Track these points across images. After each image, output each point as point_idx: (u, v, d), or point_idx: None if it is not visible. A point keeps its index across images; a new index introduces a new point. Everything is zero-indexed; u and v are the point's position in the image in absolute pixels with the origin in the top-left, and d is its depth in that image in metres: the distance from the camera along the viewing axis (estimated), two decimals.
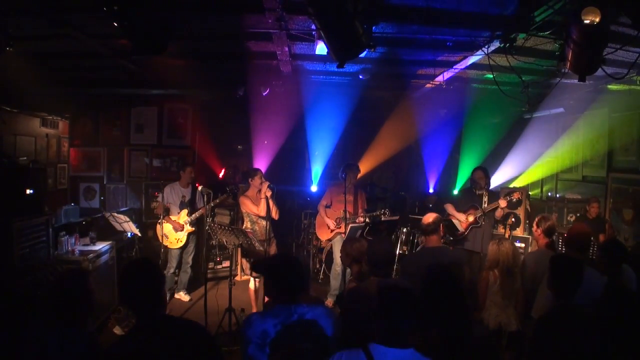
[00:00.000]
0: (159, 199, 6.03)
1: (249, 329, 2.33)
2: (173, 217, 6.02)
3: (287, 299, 2.41)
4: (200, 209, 6.02)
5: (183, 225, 5.99)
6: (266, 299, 5.15)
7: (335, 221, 6.00)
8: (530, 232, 5.78)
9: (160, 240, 5.90)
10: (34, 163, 5.64)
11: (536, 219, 4.13)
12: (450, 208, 5.74)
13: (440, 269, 2.59)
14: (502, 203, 5.52)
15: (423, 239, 4.84)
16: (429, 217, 3.86)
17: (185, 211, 6.02)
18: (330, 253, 6.63)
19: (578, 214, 6.46)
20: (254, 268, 3.78)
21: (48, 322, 2.33)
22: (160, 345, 1.99)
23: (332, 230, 6.03)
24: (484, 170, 5.78)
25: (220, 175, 7.95)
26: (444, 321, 2.28)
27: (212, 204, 5.63)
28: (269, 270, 2.53)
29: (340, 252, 3.59)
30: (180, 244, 6.04)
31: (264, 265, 2.74)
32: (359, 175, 6.24)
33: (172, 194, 6.09)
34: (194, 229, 6.11)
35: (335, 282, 5.84)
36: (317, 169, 8.37)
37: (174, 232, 6.00)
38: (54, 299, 2.41)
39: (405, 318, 1.96)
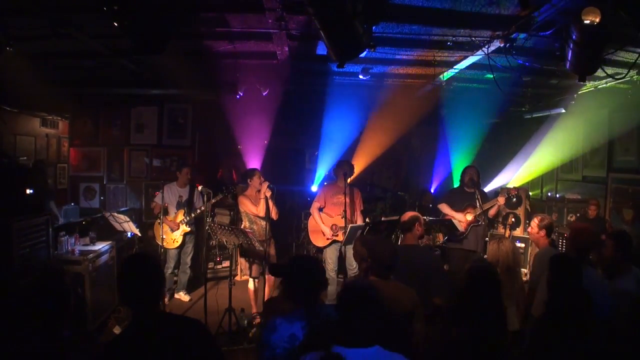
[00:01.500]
0: (156, 198, 6.04)
1: (275, 334, 2.27)
2: (169, 218, 6.02)
3: (311, 300, 2.37)
4: (197, 209, 6.02)
5: (179, 225, 6.00)
6: (266, 298, 5.16)
7: (331, 228, 5.66)
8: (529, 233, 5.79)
9: (158, 241, 5.91)
10: (39, 163, 5.64)
11: (536, 220, 4.04)
12: (445, 208, 5.72)
13: (482, 267, 2.57)
14: (501, 200, 5.58)
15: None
16: (406, 215, 3.86)
17: (182, 211, 6.03)
18: None
19: (578, 214, 6.46)
20: (270, 272, 3.74)
21: (34, 324, 2.31)
22: (158, 342, 1.98)
23: (327, 238, 5.68)
24: (475, 169, 5.79)
25: (218, 175, 7.94)
26: (477, 320, 2.26)
27: (209, 205, 5.64)
28: (289, 274, 2.48)
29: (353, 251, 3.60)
30: (177, 244, 6.04)
31: (282, 268, 2.69)
32: (354, 175, 5.93)
33: (170, 194, 6.09)
34: (190, 229, 6.11)
35: (331, 288, 5.73)
36: (317, 169, 8.37)
37: (170, 232, 6.00)
38: (29, 302, 2.38)
39: (363, 318, 1.93)
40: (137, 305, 2.08)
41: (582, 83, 3.14)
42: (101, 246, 5.26)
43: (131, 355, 1.97)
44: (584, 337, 2.23)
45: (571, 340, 2.26)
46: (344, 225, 5.48)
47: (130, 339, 2.02)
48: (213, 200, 5.78)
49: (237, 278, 6.55)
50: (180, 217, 6.00)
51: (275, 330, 2.28)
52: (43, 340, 2.21)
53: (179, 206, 6.07)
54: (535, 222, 4.06)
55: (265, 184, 5.18)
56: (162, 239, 5.85)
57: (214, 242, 6.91)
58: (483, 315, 2.26)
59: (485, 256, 6.01)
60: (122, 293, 2.14)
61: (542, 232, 3.96)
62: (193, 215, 6.00)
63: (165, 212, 6.00)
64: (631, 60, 3.81)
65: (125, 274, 2.14)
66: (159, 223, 5.83)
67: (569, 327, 2.30)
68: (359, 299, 1.97)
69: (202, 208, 5.91)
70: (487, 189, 7.29)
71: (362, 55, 3.18)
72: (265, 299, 5.20)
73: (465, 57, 4.62)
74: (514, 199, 6.40)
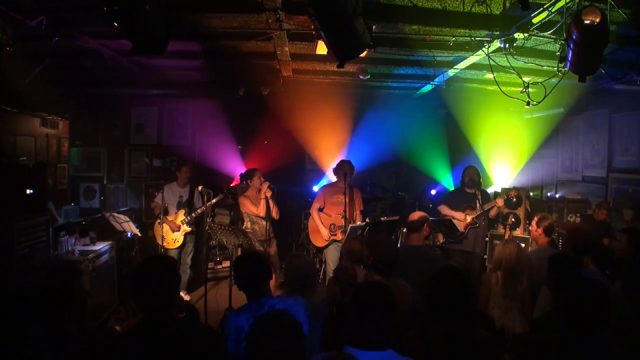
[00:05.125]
0: (157, 199, 6.04)
1: (225, 327, 2.43)
2: (170, 218, 6.02)
3: (255, 292, 2.55)
4: (198, 208, 6.03)
5: (179, 225, 5.99)
6: None
7: (330, 228, 5.65)
8: (530, 232, 5.78)
9: (159, 241, 5.90)
10: (40, 164, 5.63)
11: (535, 219, 4.13)
12: (445, 209, 5.71)
13: (448, 267, 2.59)
14: (500, 202, 5.57)
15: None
16: (415, 215, 3.87)
17: (182, 211, 6.03)
18: None
19: (579, 215, 6.43)
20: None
21: (43, 321, 2.30)
22: (163, 349, 1.96)
23: (325, 239, 5.68)
24: (475, 169, 5.78)
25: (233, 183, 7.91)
26: (448, 320, 2.27)
27: (209, 205, 5.65)
28: (234, 270, 2.69)
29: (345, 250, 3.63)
30: (177, 244, 6.04)
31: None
32: (352, 174, 5.75)
33: (170, 194, 6.09)
34: (191, 229, 6.10)
35: None
36: (319, 169, 8.37)
37: (171, 233, 6.00)
38: (44, 297, 2.36)
39: (380, 318, 1.92)
40: (150, 308, 2.06)
41: (582, 83, 3.13)
42: (101, 246, 5.26)
43: (134, 357, 1.96)
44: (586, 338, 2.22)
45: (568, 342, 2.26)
46: (343, 224, 5.48)
47: (136, 342, 2.00)
48: (213, 201, 5.78)
49: None
50: (181, 217, 6.00)
51: (226, 323, 2.47)
52: (51, 336, 2.21)
53: (179, 206, 6.07)
54: (535, 219, 4.12)
55: (266, 184, 5.18)
56: (163, 239, 5.85)
57: (214, 242, 6.91)
58: (452, 317, 2.27)
59: (485, 256, 6.04)
60: (135, 295, 2.12)
61: (540, 230, 3.99)
62: (193, 215, 6.00)
63: (166, 212, 5.99)
64: (631, 60, 3.82)
65: (140, 276, 2.11)
66: (159, 223, 5.83)
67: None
68: (377, 301, 1.96)
69: (203, 208, 5.91)
70: (488, 189, 7.28)
71: (363, 54, 3.17)
72: None
73: (465, 57, 4.62)
74: (514, 200, 6.39)
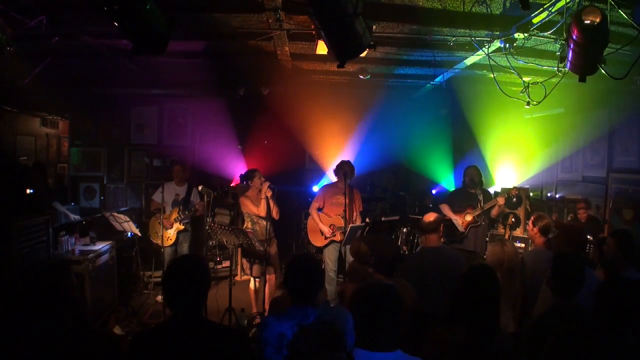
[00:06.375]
0: (154, 196, 6.06)
1: (265, 331, 2.32)
2: (164, 215, 6.03)
3: (302, 300, 2.40)
4: (192, 207, 6.05)
5: (172, 222, 6.02)
6: (267, 299, 5.17)
7: (330, 228, 5.63)
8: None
9: (152, 238, 5.91)
10: (39, 164, 5.65)
11: (532, 218, 4.12)
12: (445, 209, 5.70)
13: (481, 267, 2.57)
14: (500, 200, 5.55)
15: (422, 239, 4.82)
16: (431, 216, 3.85)
17: (176, 209, 6.06)
18: None
19: (571, 215, 6.43)
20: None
21: (39, 319, 2.30)
22: (190, 349, 1.96)
23: (326, 238, 5.67)
24: (476, 168, 5.77)
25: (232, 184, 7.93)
26: (475, 319, 2.27)
27: (202, 203, 5.67)
28: (286, 271, 2.53)
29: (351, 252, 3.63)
30: (170, 242, 6.07)
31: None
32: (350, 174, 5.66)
33: (167, 192, 6.11)
34: (184, 227, 6.13)
35: (331, 287, 5.71)
36: (319, 170, 8.37)
37: (165, 230, 6.01)
38: (34, 291, 2.38)
39: (389, 319, 1.91)
40: (178, 308, 2.07)
41: (582, 83, 3.13)
42: (101, 246, 5.26)
43: (159, 356, 1.96)
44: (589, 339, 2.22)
45: (571, 342, 2.26)
46: (342, 225, 5.47)
47: (163, 340, 2.01)
48: (207, 199, 5.79)
49: (237, 278, 6.55)
50: (175, 214, 6.02)
51: (266, 327, 2.34)
52: (46, 330, 2.21)
53: (174, 204, 6.12)
54: (531, 219, 4.11)
55: (266, 184, 5.17)
56: (158, 236, 5.87)
57: (214, 242, 6.91)
58: (480, 316, 2.25)
59: (485, 256, 6.03)
60: (164, 295, 2.16)
61: (535, 230, 3.98)
62: (188, 213, 6.01)
63: (164, 210, 6.01)
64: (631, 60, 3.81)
65: (170, 277, 2.13)
66: (159, 222, 5.84)
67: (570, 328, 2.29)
68: (384, 302, 1.95)
69: (196, 206, 5.95)
70: (489, 189, 7.29)
71: (363, 54, 3.17)
72: (266, 299, 5.21)
73: (465, 57, 4.62)
74: (514, 199, 6.39)
